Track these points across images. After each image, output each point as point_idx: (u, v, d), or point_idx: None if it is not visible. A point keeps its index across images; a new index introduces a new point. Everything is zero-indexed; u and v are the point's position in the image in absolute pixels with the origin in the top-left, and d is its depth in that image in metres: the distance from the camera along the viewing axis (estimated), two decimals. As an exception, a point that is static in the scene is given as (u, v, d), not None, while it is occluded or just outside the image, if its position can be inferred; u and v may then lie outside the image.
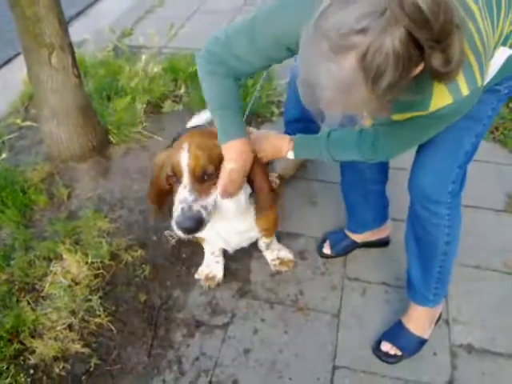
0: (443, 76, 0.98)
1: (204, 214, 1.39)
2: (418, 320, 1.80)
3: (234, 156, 1.46)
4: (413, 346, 1.79)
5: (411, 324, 1.80)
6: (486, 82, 1.30)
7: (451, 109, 1.14)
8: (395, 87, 0.92)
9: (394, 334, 1.82)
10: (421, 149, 1.55)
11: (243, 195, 1.63)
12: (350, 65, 0.89)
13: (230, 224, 1.70)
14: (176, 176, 1.42)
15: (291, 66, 2.46)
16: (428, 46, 0.88)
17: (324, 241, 2.20)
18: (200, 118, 2.25)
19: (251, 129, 1.62)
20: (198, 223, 1.38)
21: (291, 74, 2.48)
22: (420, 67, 0.94)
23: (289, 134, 1.62)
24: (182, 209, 1.37)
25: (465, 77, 1.09)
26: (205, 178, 1.42)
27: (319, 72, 0.94)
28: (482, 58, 1.11)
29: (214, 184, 1.45)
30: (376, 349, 1.81)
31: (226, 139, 1.46)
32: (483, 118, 1.43)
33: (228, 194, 1.48)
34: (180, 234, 1.42)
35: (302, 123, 2.35)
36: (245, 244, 1.94)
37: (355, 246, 2.17)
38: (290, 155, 1.55)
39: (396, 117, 1.24)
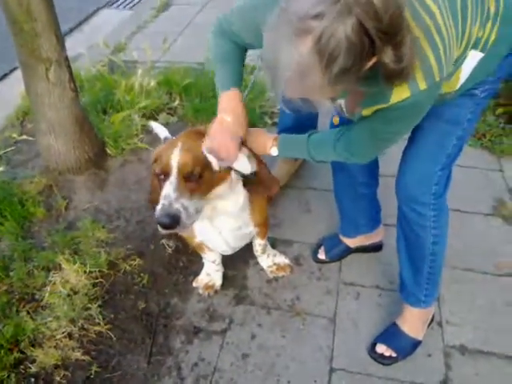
0: (396, 75, 1.04)
1: (183, 214, 1.40)
2: (412, 321, 1.84)
3: (225, 106, 1.50)
4: (407, 347, 1.84)
5: (405, 326, 1.84)
6: (459, 85, 1.37)
7: (411, 102, 1.19)
8: (347, 75, 0.99)
9: (388, 335, 1.86)
10: (405, 152, 1.62)
11: (242, 195, 1.67)
12: (306, 48, 0.95)
13: (228, 220, 1.74)
14: (164, 173, 1.45)
15: None
16: (378, 38, 0.94)
17: (319, 246, 2.24)
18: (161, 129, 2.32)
19: None
20: (175, 222, 1.39)
21: None
22: (373, 60, 1.00)
23: None
24: (163, 205, 1.39)
25: (422, 71, 1.14)
26: (191, 179, 1.44)
27: (279, 54, 1.00)
28: (441, 54, 1.15)
29: (199, 187, 1.47)
30: (371, 351, 1.85)
31: (221, 90, 1.52)
32: (462, 121, 1.48)
33: (217, 150, 1.47)
34: (158, 227, 1.44)
35: (296, 132, 2.40)
36: (242, 244, 1.97)
37: (349, 251, 2.21)
38: (274, 152, 1.59)
39: (365, 111, 1.30)
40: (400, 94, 1.17)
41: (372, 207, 2.08)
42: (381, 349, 1.83)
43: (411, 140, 1.60)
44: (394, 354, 1.81)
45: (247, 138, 1.58)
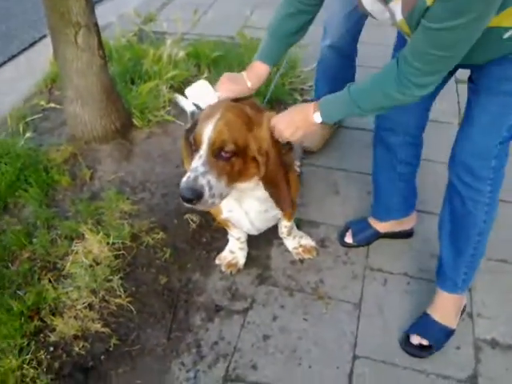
0: None
1: (206, 191, 1.34)
2: (445, 308, 1.76)
3: (248, 71, 1.71)
4: (441, 336, 1.75)
5: (437, 314, 1.76)
6: None
7: None
8: None
9: (420, 326, 1.78)
10: (462, 125, 1.54)
11: None
12: None
13: (255, 203, 1.70)
14: (196, 143, 1.40)
15: (320, 46, 2.48)
16: None
17: (346, 230, 2.17)
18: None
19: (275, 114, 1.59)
20: (197, 197, 1.34)
21: (321, 54, 2.52)
22: None
23: None
24: (188, 177, 1.34)
25: None
26: (222, 156, 1.38)
27: None
28: None
29: (229, 168, 1.41)
30: (406, 344, 1.76)
31: (257, 57, 1.70)
32: None
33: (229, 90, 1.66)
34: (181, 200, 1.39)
35: None
36: (268, 225, 1.92)
37: (378, 236, 2.13)
38: (317, 118, 1.44)
39: None
40: None
41: (409, 190, 2.00)
42: (416, 339, 1.74)
43: (469, 112, 1.50)
44: (429, 345, 1.73)
45: (283, 119, 1.49)
